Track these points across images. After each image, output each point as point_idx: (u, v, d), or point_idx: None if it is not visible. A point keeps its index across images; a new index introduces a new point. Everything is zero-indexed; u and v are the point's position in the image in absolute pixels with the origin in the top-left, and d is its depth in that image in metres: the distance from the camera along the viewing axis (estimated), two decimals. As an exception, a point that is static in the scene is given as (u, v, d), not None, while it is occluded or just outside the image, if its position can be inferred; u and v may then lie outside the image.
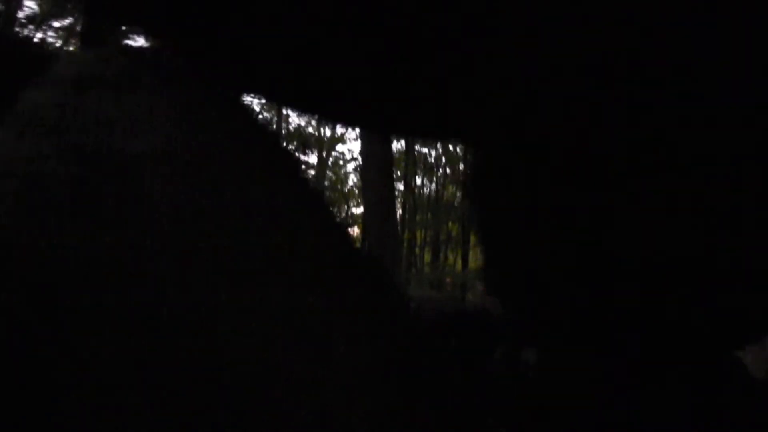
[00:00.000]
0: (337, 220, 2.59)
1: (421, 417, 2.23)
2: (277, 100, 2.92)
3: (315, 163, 17.84)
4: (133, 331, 1.69)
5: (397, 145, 16.40)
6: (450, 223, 18.34)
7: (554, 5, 2.05)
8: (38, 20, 9.74)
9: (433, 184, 18.76)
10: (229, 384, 1.76)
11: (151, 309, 1.71)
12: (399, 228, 12.30)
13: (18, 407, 1.52)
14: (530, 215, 3.35)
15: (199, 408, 1.70)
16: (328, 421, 1.83)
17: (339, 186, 18.37)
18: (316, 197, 2.62)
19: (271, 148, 2.46)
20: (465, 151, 17.28)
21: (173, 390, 1.69)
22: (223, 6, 2.15)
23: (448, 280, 15.82)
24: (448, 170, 18.03)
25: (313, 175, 15.92)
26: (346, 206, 19.04)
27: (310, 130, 17.39)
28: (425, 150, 17.89)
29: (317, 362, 1.94)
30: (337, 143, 18.26)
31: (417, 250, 18.44)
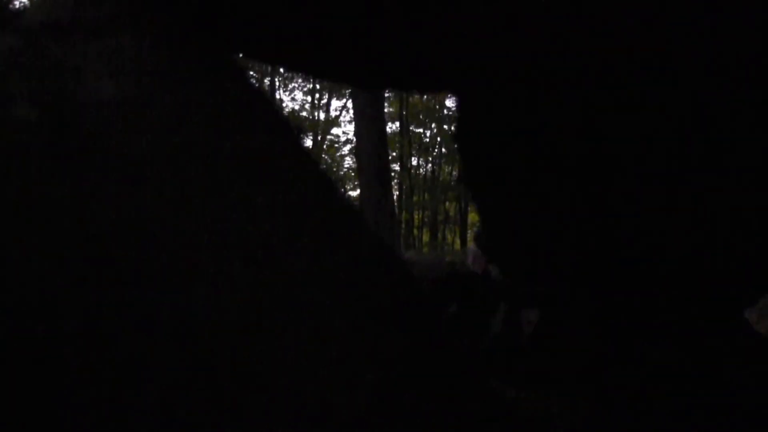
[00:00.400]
0: (327, 177, 2.50)
1: (423, 381, 2.17)
2: (261, 53, 2.83)
3: (310, 147, 17.75)
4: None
5: (392, 126, 16.33)
6: (447, 203, 18.30)
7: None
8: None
9: (429, 165, 18.70)
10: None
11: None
12: (396, 209, 12.25)
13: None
14: (525, 172, 3.27)
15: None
16: (330, 387, 1.76)
17: (335, 169, 18.29)
18: (298, 147, 2.53)
19: (256, 100, 2.37)
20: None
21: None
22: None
23: (447, 258, 15.77)
24: (443, 150, 17.94)
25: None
26: (342, 189, 18.97)
27: (304, 114, 17.29)
28: (420, 130, 17.81)
29: (317, 337, 1.86)
30: (332, 126, 18.18)
31: (415, 230, 18.39)
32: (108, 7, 1.99)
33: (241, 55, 2.84)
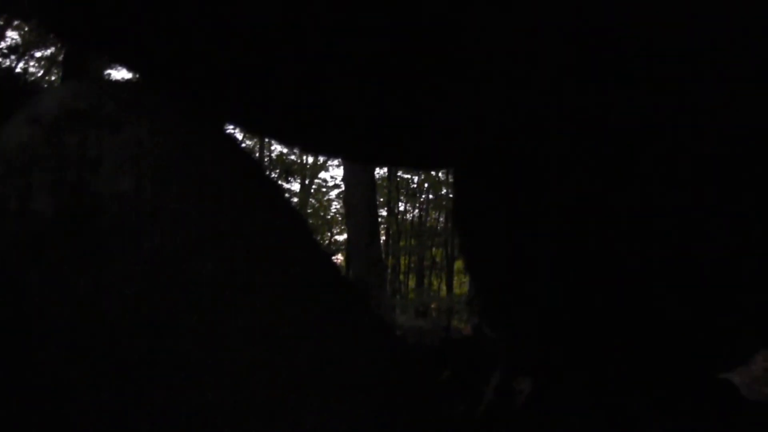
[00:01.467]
0: (323, 248, 2.58)
1: None
2: (260, 130, 2.90)
3: (298, 190, 17.83)
4: (114, 372, 1.65)
5: (380, 171, 16.45)
6: (434, 249, 18.35)
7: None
8: (20, 50, 9.71)
9: (416, 210, 18.81)
10: (212, 417, 1.74)
11: (128, 352, 1.67)
12: (383, 254, 12.27)
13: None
14: (518, 243, 3.33)
15: None
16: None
17: (322, 213, 18.33)
18: (302, 227, 2.60)
19: (259, 180, 2.43)
20: (447, 176, 17.43)
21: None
22: (203, 37, 2.13)
23: (433, 305, 15.76)
24: (431, 195, 18.08)
25: (296, 203, 15.88)
26: (329, 233, 18.98)
27: (293, 157, 17.40)
28: (408, 176, 17.96)
29: (297, 392, 1.93)
30: (320, 170, 18.28)
31: (401, 276, 18.38)
32: (126, 97, 2.05)
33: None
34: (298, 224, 2.47)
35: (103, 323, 1.67)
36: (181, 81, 2.36)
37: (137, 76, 2.48)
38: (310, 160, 18.05)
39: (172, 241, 1.84)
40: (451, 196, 17.22)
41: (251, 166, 2.42)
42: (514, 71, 2.32)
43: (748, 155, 2.66)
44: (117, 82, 2.69)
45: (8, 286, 1.62)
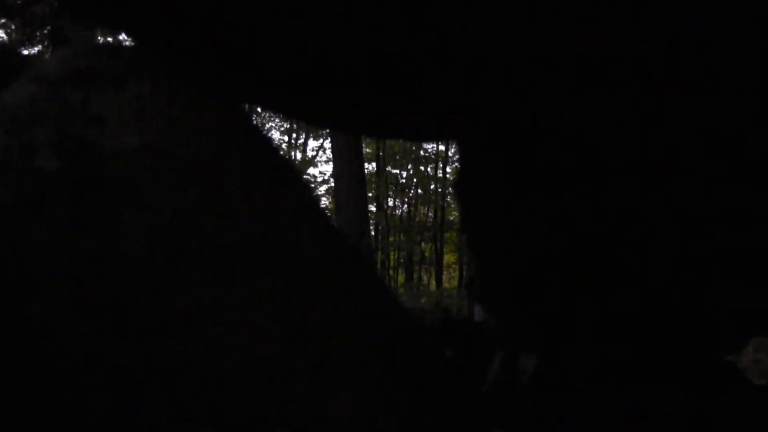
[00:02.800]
0: (331, 220, 2.54)
1: (424, 427, 2.18)
2: (261, 101, 2.85)
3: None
4: (117, 330, 1.60)
5: (369, 167, 16.41)
6: (423, 244, 18.33)
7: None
8: (7, 48, 9.56)
9: (405, 205, 18.78)
10: (219, 381, 1.71)
11: (133, 307, 1.62)
12: (372, 249, 12.22)
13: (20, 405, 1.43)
14: (522, 218, 3.31)
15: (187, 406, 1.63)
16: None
17: (311, 209, 18.19)
18: (309, 196, 2.56)
19: (264, 149, 2.39)
20: (436, 171, 17.42)
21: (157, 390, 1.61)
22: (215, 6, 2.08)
23: (423, 300, 15.74)
24: (420, 191, 18.06)
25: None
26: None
27: (281, 153, 17.29)
28: (396, 171, 17.92)
29: (302, 363, 1.90)
30: (309, 166, 18.19)
31: (391, 271, 18.33)
32: (126, 56, 2.00)
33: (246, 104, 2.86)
34: (305, 193, 2.43)
35: (106, 282, 1.61)
36: (181, 49, 2.31)
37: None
38: (299, 155, 17.98)
39: (177, 201, 1.79)
40: (440, 191, 17.23)
41: (255, 131, 2.37)
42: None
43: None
44: (119, 44, 2.63)
45: (10, 242, 1.56)
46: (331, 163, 12.37)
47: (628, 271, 3.21)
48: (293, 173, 2.54)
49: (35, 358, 1.52)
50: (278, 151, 2.65)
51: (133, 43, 2.38)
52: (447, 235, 17.17)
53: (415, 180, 17.79)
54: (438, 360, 3.31)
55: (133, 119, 1.80)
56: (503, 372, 3.54)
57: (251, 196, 1.99)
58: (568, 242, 3.23)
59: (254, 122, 2.65)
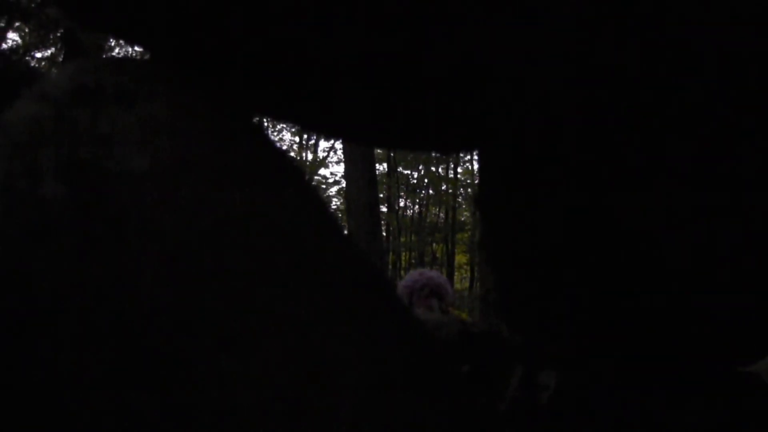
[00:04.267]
0: (352, 240, 2.44)
1: None
2: (271, 110, 2.76)
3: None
4: (126, 363, 1.53)
5: (380, 167, 16.36)
6: (434, 245, 18.29)
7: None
8: (21, 51, 9.62)
9: (417, 206, 18.73)
10: (230, 413, 1.63)
11: (144, 337, 1.54)
12: (384, 250, 12.17)
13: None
14: (543, 229, 3.21)
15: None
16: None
17: (322, 209, 18.18)
18: (322, 208, 2.47)
19: (283, 171, 2.29)
20: (447, 171, 17.34)
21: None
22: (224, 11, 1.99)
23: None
24: (431, 191, 17.99)
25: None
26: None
27: (292, 154, 17.28)
28: (408, 171, 17.88)
29: (322, 384, 1.82)
30: (320, 167, 18.19)
31: (402, 272, 18.29)
32: (137, 71, 1.90)
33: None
34: (325, 216, 2.33)
35: (116, 314, 1.53)
36: (197, 62, 2.23)
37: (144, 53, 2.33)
38: (310, 156, 17.95)
39: (190, 227, 1.70)
40: (451, 191, 17.15)
41: (275, 151, 2.28)
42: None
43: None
44: (129, 58, 2.55)
45: (12, 272, 1.48)
46: (342, 164, 12.33)
47: (660, 290, 3.12)
48: (314, 194, 2.46)
49: (38, 396, 1.44)
50: (302, 173, 2.56)
51: (145, 56, 2.29)
52: (458, 236, 17.13)
53: (426, 181, 17.73)
54: (455, 377, 3.23)
55: (144, 140, 1.71)
56: (523, 389, 3.44)
57: (268, 221, 1.90)
58: (597, 259, 3.14)
59: (270, 137, 2.55)
